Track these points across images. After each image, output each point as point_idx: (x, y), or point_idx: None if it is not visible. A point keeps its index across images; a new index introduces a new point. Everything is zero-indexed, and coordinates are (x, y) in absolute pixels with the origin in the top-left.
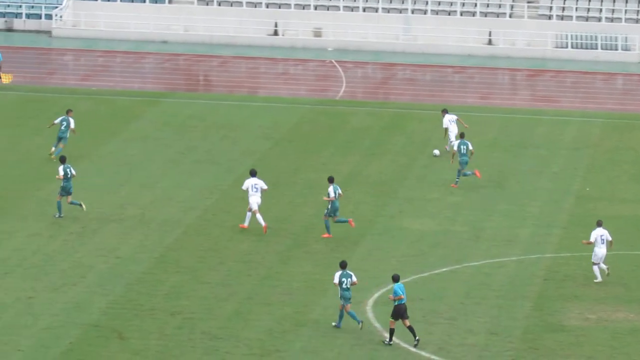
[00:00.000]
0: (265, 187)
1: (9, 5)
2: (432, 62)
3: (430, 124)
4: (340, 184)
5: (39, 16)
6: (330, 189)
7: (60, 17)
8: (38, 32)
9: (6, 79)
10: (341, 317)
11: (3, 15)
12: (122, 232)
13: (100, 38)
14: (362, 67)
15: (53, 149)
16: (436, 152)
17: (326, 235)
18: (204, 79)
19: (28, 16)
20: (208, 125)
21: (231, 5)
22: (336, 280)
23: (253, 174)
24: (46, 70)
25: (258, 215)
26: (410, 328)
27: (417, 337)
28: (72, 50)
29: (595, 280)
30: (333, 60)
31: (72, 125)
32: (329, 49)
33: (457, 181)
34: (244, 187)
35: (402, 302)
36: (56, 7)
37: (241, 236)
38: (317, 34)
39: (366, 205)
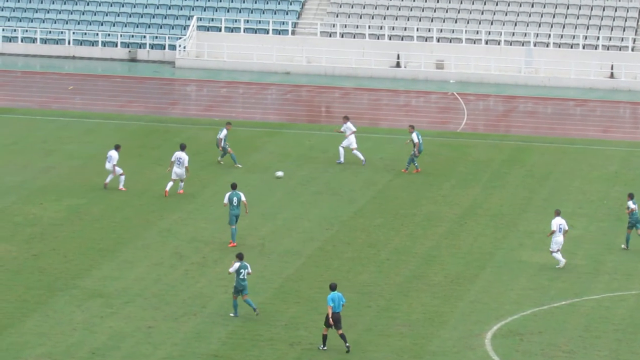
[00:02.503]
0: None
1: (132, 36)
2: (554, 95)
3: (551, 156)
4: (460, 216)
5: (162, 47)
6: (226, 198)
7: (184, 47)
8: (161, 62)
9: None
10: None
11: (127, 45)
12: None
13: (223, 69)
14: (483, 100)
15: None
16: (279, 173)
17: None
18: (325, 110)
19: (152, 47)
20: (329, 156)
21: (354, 37)
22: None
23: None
24: (169, 100)
25: None
26: (342, 335)
27: (347, 344)
28: (194, 80)
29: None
30: (455, 93)
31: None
32: (451, 81)
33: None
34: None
35: (336, 310)
36: (180, 38)
37: (360, 268)
38: (439, 66)
39: (486, 238)
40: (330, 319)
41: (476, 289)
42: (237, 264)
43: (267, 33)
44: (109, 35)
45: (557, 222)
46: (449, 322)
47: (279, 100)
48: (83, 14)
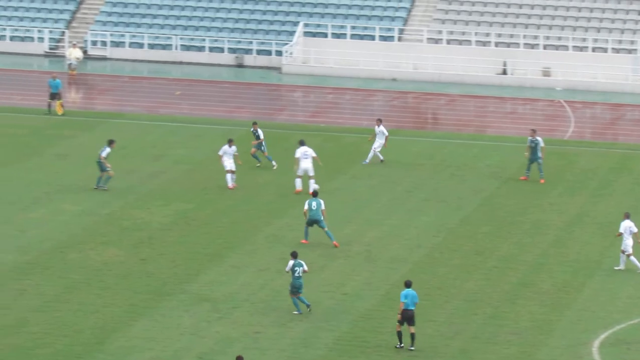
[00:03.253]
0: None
1: (239, 42)
2: None
3: None
4: (567, 224)
5: (269, 52)
6: (306, 204)
7: (291, 53)
8: (268, 68)
9: (60, 108)
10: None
11: (234, 51)
12: (348, 268)
13: (329, 75)
14: (590, 107)
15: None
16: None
17: (304, 241)
18: (432, 117)
19: (259, 52)
20: (436, 163)
21: (460, 44)
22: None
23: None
24: (276, 106)
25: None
26: (412, 335)
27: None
28: (301, 86)
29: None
30: (562, 100)
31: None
32: (558, 88)
33: None
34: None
35: (409, 308)
36: (286, 44)
37: (467, 275)
38: (546, 73)
39: (593, 246)
40: (399, 315)
41: (584, 297)
42: (291, 262)
43: (374, 39)
44: (215, 40)
45: (626, 225)
46: (557, 330)
47: (385, 107)
48: (190, 19)
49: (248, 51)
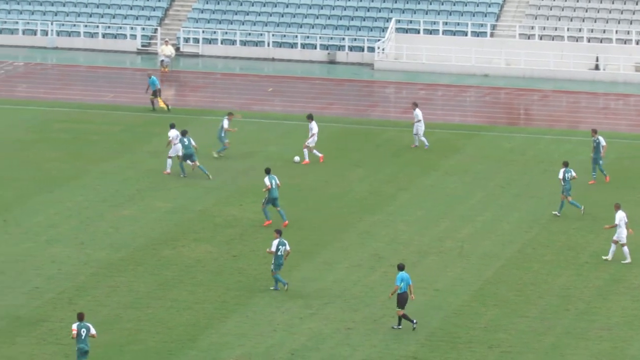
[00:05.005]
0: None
1: (331, 38)
2: None
3: None
4: None
5: (361, 49)
6: (266, 179)
7: (383, 49)
8: (360, 64)
9: (163, 104)
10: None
11: (326, 47)
12: (441, 264)
13: (421, 71)
14: None
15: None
16: (296, 158)
17: (267, 223)
18: (524, 113)
19: (351, 49)
20: (528, 159)
21: (552, 40)
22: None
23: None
24: (368, 102)
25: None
26: (403, 316)
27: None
28: (393, 83)
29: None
30: None
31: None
32: None
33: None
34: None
35: (403, 290)
36: (378, 40)
37: (559, 270)
38: (639, 68)
39: None
40: (398, 298)
41: None
42: (276, 241)
43: (466, 35)
44: (307, 37)
45: (620, 216)
46: None
47: (477, 103)
48: (282, 16)
49: (340, 48)
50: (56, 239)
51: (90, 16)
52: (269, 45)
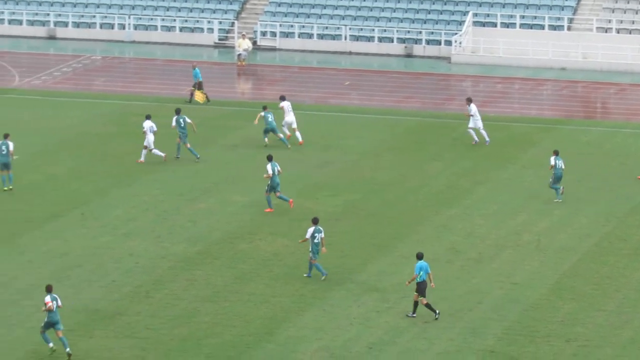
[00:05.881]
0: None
1: (409, 32)
2: None
3: None
4: None
5: (438, 42)
6: (269, 167)
7: (460, 43)
8: (437, 58)
9: (200, 98)
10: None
11: (403, 41)
12: (518, 258)
13: (498, 64)
14: None
15: None
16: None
17: (268, 210)
18: (601, 107)
19: (428, 42)
20: (605, 152)
21: (630, 33)
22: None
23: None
24: (445, 96)
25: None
26: (418, 304)
27: (437, 311)
28: (470, 76)
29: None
30: None
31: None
32: None
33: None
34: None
35: (422, 279)
36: (455, 34)
37: (637, 264)
38: None
39: None
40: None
41: None
42: (312, 229)
43: (543, 29)
44: (385, 30)
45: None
46: None
47: (554, 96)
48: (359, 9)
49: (417, 41)
50: (134, 233)
51: (168, 10)
52: (346, 38)
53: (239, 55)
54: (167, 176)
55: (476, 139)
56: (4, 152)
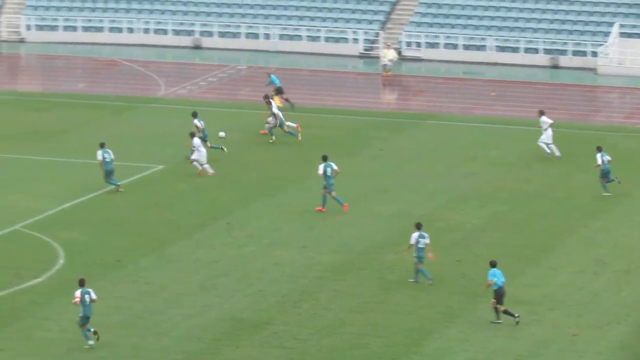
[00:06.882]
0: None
1: (554, 42)
2: None
3: None
4: None
5: (584, 53)
6: (321, 167)
7: (606, 54)
8: (583, 69)
9: (279, 102)
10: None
11: (549, 52)
12: None
13: None
14: None
15: None
16: (221, 134)
17: (320, 209)
18: None
19: (574, 53)
20: None
21: None
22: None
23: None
24: (591, 107)
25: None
26: (505, 311)
27: (516, 315)
28: (617, 88)
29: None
30: None
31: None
32: None
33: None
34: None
35: (498, 286)
36: (602, 45)
37: None
38: None
39: None
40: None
41: None
42: (416, 234)
43: None
44: (530, 41)
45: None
46: None
47: None
48: (505, 20)
49: (563, 52)
50: (279, 242)
51: (313, 20)
52: (491, 49)
53: (384, 65)
54: (313, 186)
55: (548, 151)
56: (107, 160)
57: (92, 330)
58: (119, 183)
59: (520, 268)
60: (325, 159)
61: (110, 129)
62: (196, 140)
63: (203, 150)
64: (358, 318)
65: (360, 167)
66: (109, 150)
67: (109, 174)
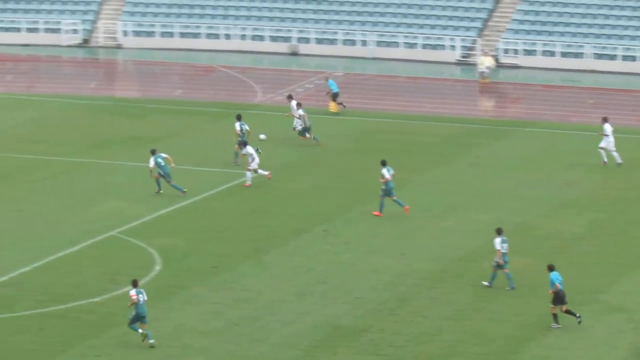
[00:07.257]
0: None
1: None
2: None
3: None
4: None
5: None
6: (384, 171)
7: None
8: None
9: (334, 108)
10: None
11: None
12: None
13: None
14: None
15: None
16: (262, 136)
17: (377, 213)
18: None
19: None
20: None
21: None
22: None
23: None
24: None
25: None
26: (567, 311)
27: (578, 315)
28: None
29: None
30: None
31: None
32: None
33: None
34: None
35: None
36: None
37: None
38: None
39: None
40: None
41: None
42: (498, 239)
43: None
44: (628, 49)
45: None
46: None
47: None
48: (602, 27)
49: None
50: (376, 249)
51: (410, 27)
52: (588, 56)
53: (482, 72)
54: (411, 193)
55: (605, 159)
56: (162, 164)
57: (140, 331)
58: (185, 189)
59: (617, 275)
60: (384, 163)
61: (207, 135)
62: (249, 148)
63: (257, 158)
64: (454, 325)
65: (456, 174)
66: (162, 154)
67: (168, 177)
